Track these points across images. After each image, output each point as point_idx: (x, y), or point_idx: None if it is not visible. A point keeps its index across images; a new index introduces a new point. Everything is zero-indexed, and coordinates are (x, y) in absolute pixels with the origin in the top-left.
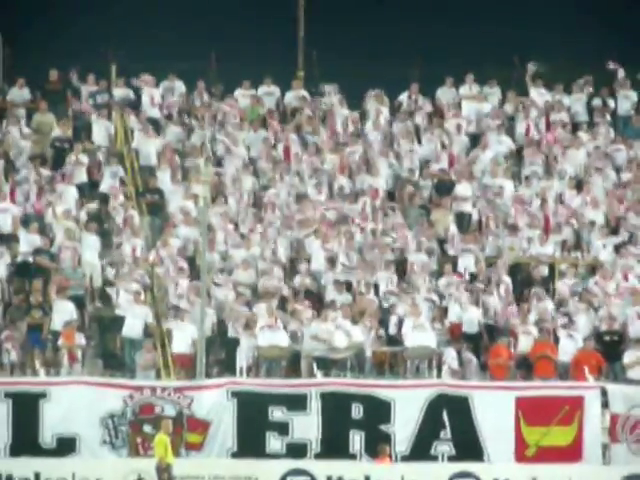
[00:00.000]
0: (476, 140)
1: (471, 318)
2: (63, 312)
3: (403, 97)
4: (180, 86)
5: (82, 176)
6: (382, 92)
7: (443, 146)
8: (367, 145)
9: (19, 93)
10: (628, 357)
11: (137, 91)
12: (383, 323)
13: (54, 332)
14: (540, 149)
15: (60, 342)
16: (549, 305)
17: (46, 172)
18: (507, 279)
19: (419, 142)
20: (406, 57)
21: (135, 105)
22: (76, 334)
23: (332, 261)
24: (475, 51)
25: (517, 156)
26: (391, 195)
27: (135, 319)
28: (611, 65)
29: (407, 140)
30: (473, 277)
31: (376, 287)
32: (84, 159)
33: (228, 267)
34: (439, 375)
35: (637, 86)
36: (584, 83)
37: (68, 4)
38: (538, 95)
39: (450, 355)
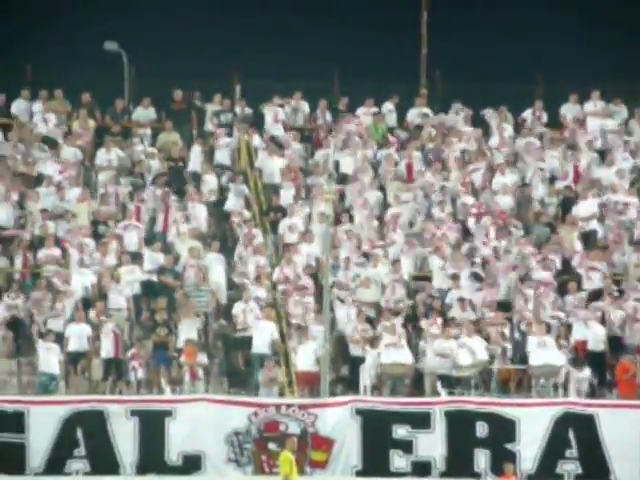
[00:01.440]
0: (601, 157)
1: (596, 336)
2: (188, 330)
3: (527, 113)
4: (304, 105)
5: (207, 195)
6: (505, 109)
7: (568, 163)
8: (491, 162)
9: (144, 113)
10: None
11: (260, 110)
12: (508, 341)
13: (179, 350)
14: None
15: (182, 360)
16: None
17: (171, 191)
18: (635, 296)
19: (543, 159)
20: (529, 74)
21: (258, 124)
22: (198, 352)
23: (456, 278)
24: (599, 67)
25: None
26: (516, 212)
27: (262, 336)
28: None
29: (531, 157)
30: (599, 294)
31: (501, 305)
32: (210, 178)
33: (351, 285)
34: (565, 393)
35: None
36: None
37: (191, 25)
38: None
39: (577, 373)
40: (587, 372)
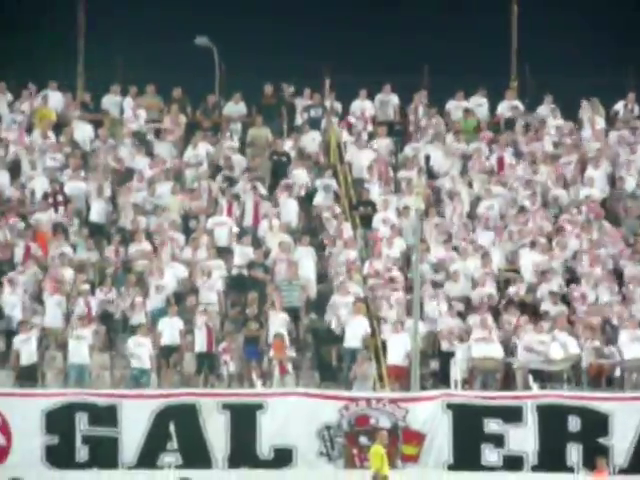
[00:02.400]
0: None
1: None
2: (279, 324)
3: (619, 106)
4: (394, 98)
5: (296, 189)
6: (597, 101)
7: None
8: (582, 155)
9: (235, 108)
10: None
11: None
12: (601, 335)
13: (270, 344)
14: None
15: (271, 354)
16: None
17: (262, 186)
18: None
19: (635, 151)
20: (622, 66)
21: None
22: (287, 346)
23: (547, 272)
24: None
25: None
26: (607, 205)
27: (354, 330)
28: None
29: (624, 149)
30: None
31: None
32: (301, 173)
33: (441, 279)
34: None
35: None
36: None
37: (280, 21)
38: None
39: None
40: None
